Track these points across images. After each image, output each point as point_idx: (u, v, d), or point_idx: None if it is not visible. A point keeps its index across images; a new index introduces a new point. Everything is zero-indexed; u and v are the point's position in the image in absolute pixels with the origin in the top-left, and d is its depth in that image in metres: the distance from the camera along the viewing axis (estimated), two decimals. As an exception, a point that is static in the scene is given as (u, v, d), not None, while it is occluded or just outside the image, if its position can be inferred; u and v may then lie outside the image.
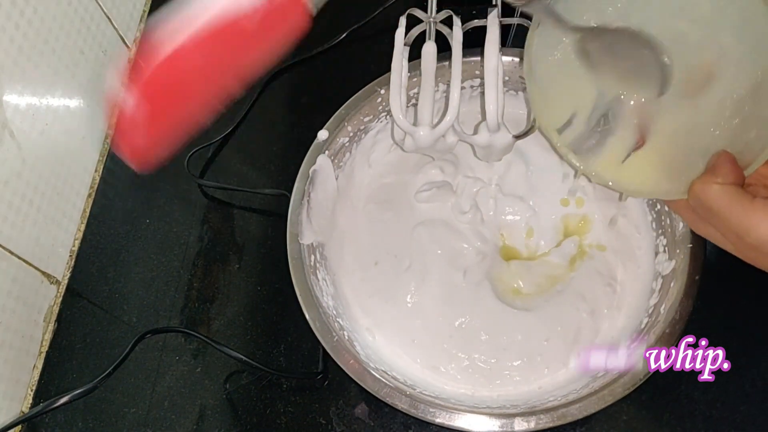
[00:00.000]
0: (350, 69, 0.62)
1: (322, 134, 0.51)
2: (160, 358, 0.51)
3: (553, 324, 0.47)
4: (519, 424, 0.41)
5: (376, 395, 0.42)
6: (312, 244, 0.49)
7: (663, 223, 0.48)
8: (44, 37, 0.51)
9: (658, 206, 0.49)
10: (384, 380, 0.43)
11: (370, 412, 0.48)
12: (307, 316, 0.45)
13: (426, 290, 0.49)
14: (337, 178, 0.52)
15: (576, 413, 0.41)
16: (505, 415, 0.41)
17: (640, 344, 0.44)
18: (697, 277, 0.44)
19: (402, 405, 0.42)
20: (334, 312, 0.47)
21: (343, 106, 0.52)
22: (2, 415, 0.48)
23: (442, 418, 0.42)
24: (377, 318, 0.49)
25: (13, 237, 0.49)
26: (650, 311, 0.46)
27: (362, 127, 0.53)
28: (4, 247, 0.48)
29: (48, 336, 0.53)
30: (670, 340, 0.42)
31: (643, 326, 0.45)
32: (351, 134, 0.53)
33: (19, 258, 0.50)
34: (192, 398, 0.50)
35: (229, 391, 0.50)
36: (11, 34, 0.48)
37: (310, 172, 0.50)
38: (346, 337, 0.45)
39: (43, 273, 0.53)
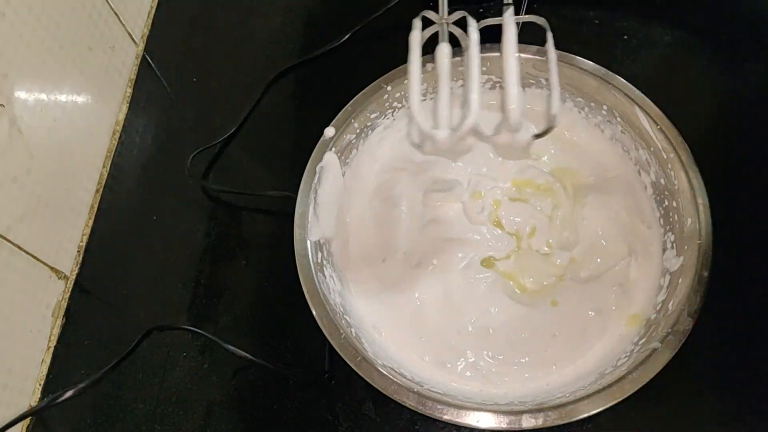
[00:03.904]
0: (356, 67, 0.61)
1: (329, 131, 0.51)
2: (168, 354, 0.51)
3: (560, 321, 0.47)
4: (527, 421, 0.41)
5: (384, 392, 0.42)
6: (319, 241, 0.49)
7: (671, 219, 0.48)
8: (52, 33, 0.52)
9: (666, 202, 0.49)
10: (391, 377, 0.43)
11: (377, 409, 0.48)
12: (314, 313, 0.45)
13: (434, 287, 0.49)
14: (343, 175, 0.52)
15: (584, 410, 0.41)
16: (513, 412, 0.41)
17: (648, 341, 0.43)
18: (705, 273, 0.44)
19: (410, 402, 0.42)
20: (341, 309, 0.47)
21: (349, 103, 0.52)
22: (11, 409, 0.48)
23: (450, 415, 0.42)
24: (384, 315, 0.49)
25: (22, 233, 0.49)
26: (658, 308, 0.46)
27: (369, 124, 0.53)
28: (12, 243, 0.48)
29: (56, 331, 0.53)
30: (677, 336, 0.42)
31: (650, 323, 0.45)
32: (358, 131, 0.52)
33: (28, 253, 0.50)
34: (199, 394, 0.50)
35: (236, 387, 0.50)
36: (20, 30, 0.48)
37: (317, 169, 0.50)
38: (354, 334, 0.45)
39: (51, 268, 0.53)
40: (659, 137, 0.49)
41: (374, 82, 0.53)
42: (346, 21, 0.63)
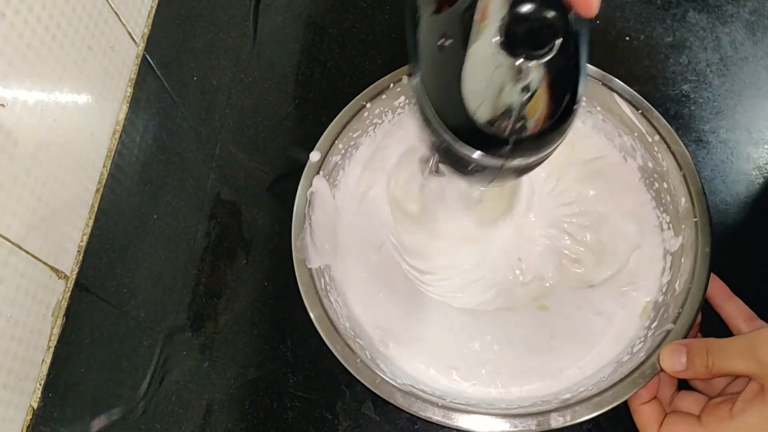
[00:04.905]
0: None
1: (314, 155, 0.51)
2: (168, 352, 0.51)
3: (565, 322, 0.47)
4: (555, 420, 0.41)
5: (408, 411, 0.42)
6: (320, 267, 0.48)
7: (664, 201, 0.48)
8: (52, 32, 0.52)
9: (656, 185, 0.49)
10: (414, 395, 0.43)
11: (377, 408, 0.48)
12: (326, 342, 0.45)
13: (434, 296, 0.49)
14: (334, 198, 0.52)
15: (609, 401, 0.41)
16: (541, 412, 0.41)
17: (661, 323, 0.43)
18: (707, 250, 0.44)
19: (436, 417, 0.42)
20: (352, 333, 0.47)
21: (331, 124, 0.52)
22: (12, 408, 0.48)
23: (471, 425, 0.41)
24: (390, 330, 0.48)
25: (22, 232, 0.49)
26: (664, 290, 0.46)
27: (352, 143, 0.53)
28: (12, 243, 0.48)
29: (56, 331, 0.53)
30: (689, 315, 0.42)
31: (659, 305, 0.45)
32: (342, 152, 0.52)
33: (28, 253, 0.50)
34: (199, 393, 0.50)
35: (236, 386, 0.50)
36: (20, 30, 0.48)
37: (308, 195, 0.50)
38: (369, 357, 0.45)
39: (52, 268, 0.53)
40: (642, 121, 0.49)
41: (352, 101, 0.52)
42: (349, 18, 0.63)
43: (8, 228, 0.48)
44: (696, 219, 0.45)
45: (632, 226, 0.49)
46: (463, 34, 0.31)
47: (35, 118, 0.50)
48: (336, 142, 0.52)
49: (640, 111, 0.49)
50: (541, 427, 0.41)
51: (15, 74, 0.48)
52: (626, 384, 0.41)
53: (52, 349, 0.52)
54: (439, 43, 0.33)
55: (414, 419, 0.47)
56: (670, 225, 0.48)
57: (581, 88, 0.33)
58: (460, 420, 0.41)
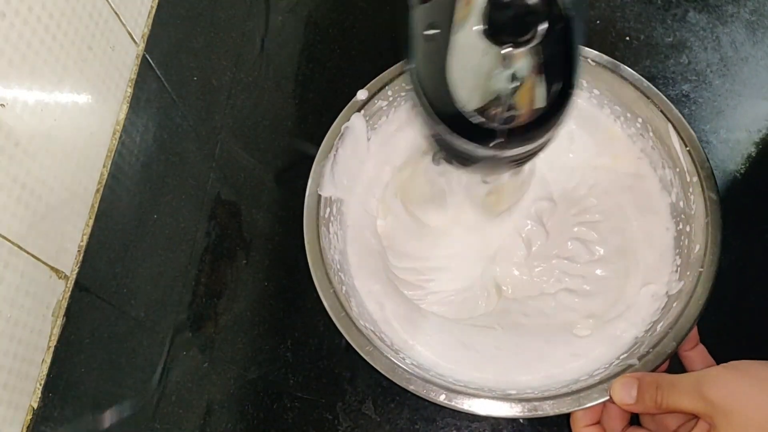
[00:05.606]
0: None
1: (361, 94, 0.51)
2: (168, 352, 0.51)
3: (547, 322, 0.47)
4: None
5: (347, 338, 0.43)
6: (330, 197, 0.49)
7: (681, 243, 0.47)
8: (52, 32, 0.52)
9: (680, 225, 0.48)
10: (362, 329, 0.43)
11: (377, 408, 0.48)
12: (309, 262, 0.45)
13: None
14: (368, 140, 0.52)
15: (547, 410, 0.41)
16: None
17: (629, 357, 0.43)
18: (701, 302, 0.43)
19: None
20: (338, 266, 0.47)
21: (386, 71, 0.52)
22: (12, 408, 0.48)
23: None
24: (378, 283, 0.49)
25: (22, 233, 0.49)
26: (648, 327, 0.45)
27: (403, 94, 0.53)
28: (12, 243, 0.48)
29: (56, 330, 0.53)
30: (657, 357, 0.42)
31: (638, 340, 0.45)
32: (390, 98, 0.52)
33: (28, 253, 0.50)
34: (199, 393, 0.50)
35: (236, 386, 0.50)
36: (20, 30, 0.48)
37: (342, 128, 0.50)
38: (344, 291, 0.45)
39: (52, 268, 0.53)
40: (686, 159, 0.48)
41: None
42: (349, 18, 0.63)
43: (8, 228, 0.48)
44: (702, 269, 0.44)
45: (651, 258, 0.48)
46: (448, 23, 0.31)
47: (35, 118, 0.50)
48: (387, 87, 0.52)
49: (688, 148, 0.48)
50: (471, 409, 0.41)
51: (15, 74, 0.48)
52: (568, 400, 0.41)
53: (52, 349, 0.52)
54: (426, 32, 0.33)
55: (414, 419, 0.47)
56: (678, 268, 0.46)
57: (576, 74, 0.32)
58: (411, 384, 0.41)
